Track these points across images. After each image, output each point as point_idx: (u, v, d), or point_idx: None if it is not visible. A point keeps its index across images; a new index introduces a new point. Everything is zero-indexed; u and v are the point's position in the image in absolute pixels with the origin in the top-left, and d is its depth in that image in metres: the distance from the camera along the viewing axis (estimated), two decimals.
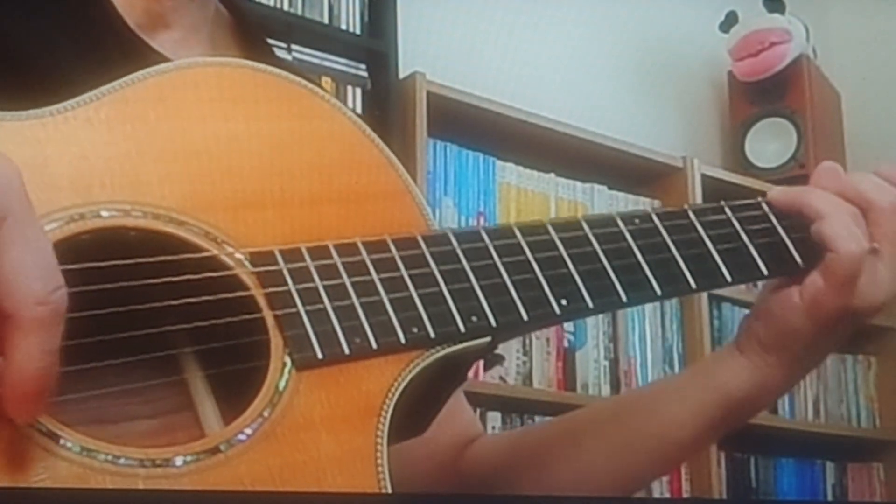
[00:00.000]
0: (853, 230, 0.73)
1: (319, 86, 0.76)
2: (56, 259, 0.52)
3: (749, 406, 0.78)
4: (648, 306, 2.83)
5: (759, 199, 0.78)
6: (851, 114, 3.43)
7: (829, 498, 3.13)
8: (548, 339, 2.65)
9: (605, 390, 2.75)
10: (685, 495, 2.75)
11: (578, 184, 2.84)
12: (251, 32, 0.90)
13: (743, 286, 0.94)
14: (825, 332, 0.74)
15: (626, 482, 0.81)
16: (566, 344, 2.69)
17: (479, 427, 0.93)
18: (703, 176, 2.96)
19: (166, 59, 0.76)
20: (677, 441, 0.79)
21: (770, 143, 3.21)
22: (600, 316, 2.73)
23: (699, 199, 2.89)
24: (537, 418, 2.61)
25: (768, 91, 3.22)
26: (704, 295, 2.83)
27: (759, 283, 0.79)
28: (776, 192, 0.78)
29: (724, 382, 0.77)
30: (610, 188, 2.89)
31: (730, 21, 3.21)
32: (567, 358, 2.69)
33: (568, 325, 2.69)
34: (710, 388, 0.78)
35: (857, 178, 0.76)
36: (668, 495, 2.71)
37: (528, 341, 2.59)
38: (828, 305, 0.73)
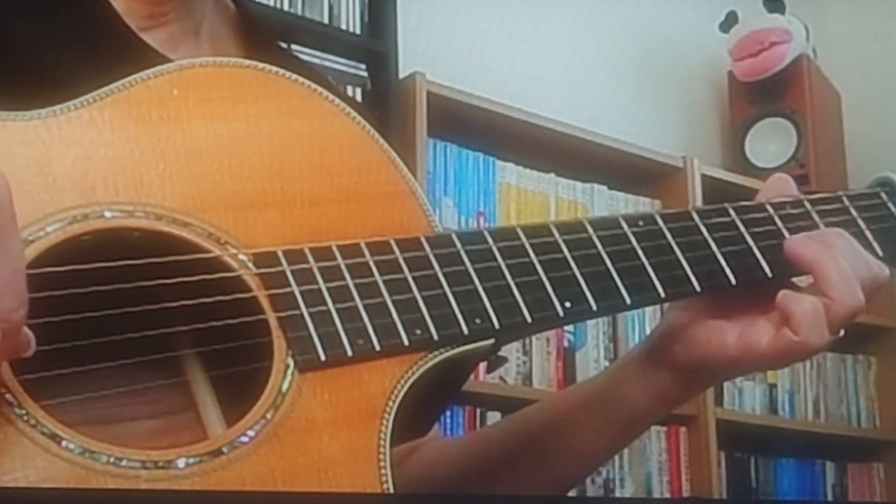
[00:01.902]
0: (819, 320, 0.71)
1: (327, 83, 0.75)
2: (25, 278, 0.52)
3: (649, 420, 0.79)
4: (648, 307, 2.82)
5: (764, 200, 0.77)
6: (851, 114, 3.43)
7: (829, 498, 3.13)
8: (548, 340, 2.65)
9: None
10: (685, 495, 2.74)
11: (578, 184, 2.83)
12: (256, 30, 0.89)
13: None
14: (745, 371, 0.76)
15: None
16: (566, 344, 2.69)
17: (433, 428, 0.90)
18: (703, 176, 2.96)
19: (165, 58, 0.76)
20: (581, 452, 0.80)
21: (770, 143, 3.21)
22: None
23: (699, 200, 2.89)
24: None
25: (768, 91, 3.22)
26: None
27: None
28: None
29: (629, 399, 0.77)
30: (610, 188, 2.89)
31: (730, 21, 3.21)
32: (567, 358, 2.69)
33: (568, 326, 2.69)
34: (616, 403, 0.78)
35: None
36: (668, 495, 2.70)
37: (528, 341, 2.59)
38: (759, 358, 0.73)
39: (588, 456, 0.81)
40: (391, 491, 0.60)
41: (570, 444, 0.80)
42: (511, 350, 2.57)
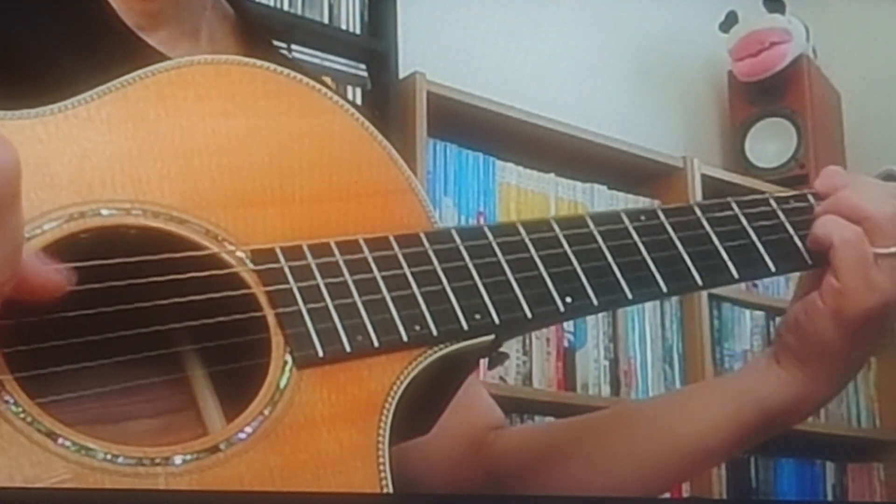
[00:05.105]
0: (840, 221, 0.73)
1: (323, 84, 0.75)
2: (21, 255, 0.53)
3: (788, 417, 0.78)
4: (648, 306, 2.82)
5: (767, 194, 0.77)
6: (851, 114, 3.43)
7: (829, 498, 3.12)
8: (548, 339, 2.65)
9: (605, 390, 2.74)
10: (685, 495, 2.74)
11: (578, 184, 2.83)
12: (253, 31, 0.89)
13: (742, 285, 0.92)
14: (856, 336, 0.74)
15: (651, 486, 0.80)
16: (566, 344, 2.69)
17: (500, 414, 0.90)
18: (703, 176, 2.96)
19: (165, 57, 0.76)
20: (709, 446, 0.79)
21: (770, 143, 3.21)
22: (600, 315, 2.73)
23: (699, 200, 2.88)
24: (537, 418, 2.60)
25: (768, 91, 3.22)
26: (704, 294, 2.83)
27: (760, 283, 0.79)
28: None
29: (763, 393, 0.77)
30: (610, 188, 2.89)
31: (730, 21, 3.21)
32: (567, 358, 2.68)
33: (568, 325, 2.68)
34: (749, 397, 0.77)
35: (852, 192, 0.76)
36: (668, 495, 2.70)
37: (528, 341, 2.59)
38: (850, 305, 0.72)
39: (713, 443, 0.79)
40: (390, 488, 0.59)
41: (694, 428, 0.79)
42: (511, 350, 2.56)
